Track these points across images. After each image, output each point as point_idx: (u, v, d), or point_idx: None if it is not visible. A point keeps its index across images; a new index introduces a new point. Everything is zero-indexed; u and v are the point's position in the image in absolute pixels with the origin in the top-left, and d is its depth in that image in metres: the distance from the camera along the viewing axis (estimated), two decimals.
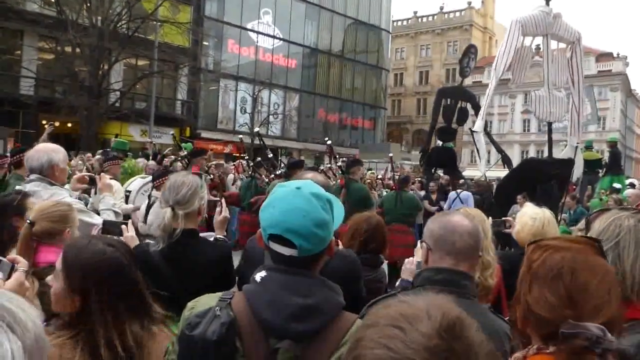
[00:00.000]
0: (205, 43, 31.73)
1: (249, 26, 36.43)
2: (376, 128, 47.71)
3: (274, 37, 38.17)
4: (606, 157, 15.40)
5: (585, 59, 51.80)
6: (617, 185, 10.79)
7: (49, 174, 3.35)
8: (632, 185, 10.11)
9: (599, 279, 1.27)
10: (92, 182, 3.91)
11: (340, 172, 8.93)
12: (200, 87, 30.92)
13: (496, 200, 7.81)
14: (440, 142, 16.81)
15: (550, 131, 8.22)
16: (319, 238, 1.49)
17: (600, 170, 14.71)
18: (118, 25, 22.72)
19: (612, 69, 50.76)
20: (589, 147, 15.47)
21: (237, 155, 15.09)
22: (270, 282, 1.49)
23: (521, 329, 1.38)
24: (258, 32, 37.11)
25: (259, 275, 1.52)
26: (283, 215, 1.48)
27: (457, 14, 62.98)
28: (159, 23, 24.31)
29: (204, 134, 32.83)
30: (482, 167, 8.04)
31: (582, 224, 1.84)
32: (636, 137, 64.95)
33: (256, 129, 12.24)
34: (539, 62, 8.02)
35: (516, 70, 7.57)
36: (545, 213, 3.38)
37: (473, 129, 7.48)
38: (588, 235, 1.72)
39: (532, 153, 50.60)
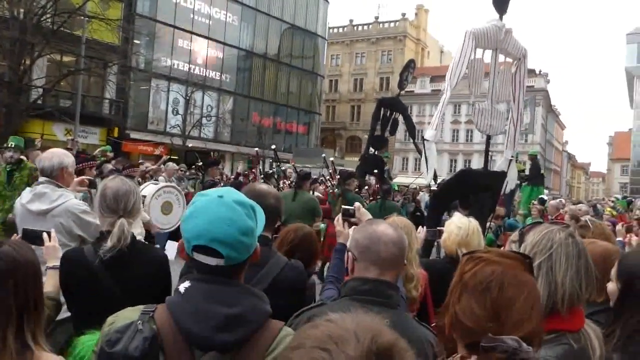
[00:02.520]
0: (136, 41, 30.80)
1: (182, 26, 35.69)
2: (310, 133, 47.92)
3: (208, 38, 37.58)
4: (527, 168, 16.13)
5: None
6: (543, 197, 11.30)
7: (57, 175, 3.52)
8: (542, 202, 10.62)
9: (524, 296, 1.31)
10: (92, 185, 4.00)
11: (336, 184, 9.47)
12: (130, 86, 29.95)
13: (430, 209, 7.94)
14: (372, 150, 17.25)
15: (488, 144, 8.43)
16: (245, 246, 1.47)
17: (520, 181, 15.42)
18: (42, 19, 21.56)
19: (534, 85, 53.37)
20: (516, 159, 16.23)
21: (169, 157, 14.81)
22: (194, 292, 1.44)
23: (448, 335, 1.41)
24: (192, 33, 36.41)
25: (182, 286, 1.47)
26: (208, 225, 1.44)
27: (392, 24, 64.39)
28: (87, 18, 23.31)
29: (134, 135, 31.84)
30: (429, 177, 8.17)
31: (515, 235, 1.89)
32: (555, 151, 68.58)
33: (273, 146, 12.14)
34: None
35: (471, 82, 7.63)
36: (471, 223, 3.45)
37: (426, 138, 7.51)
38: (522, 246, 1.79)
39: (460, 162, 52.44)
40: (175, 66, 35.38)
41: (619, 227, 5.44)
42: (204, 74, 36.83)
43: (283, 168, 12.61)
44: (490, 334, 1.24)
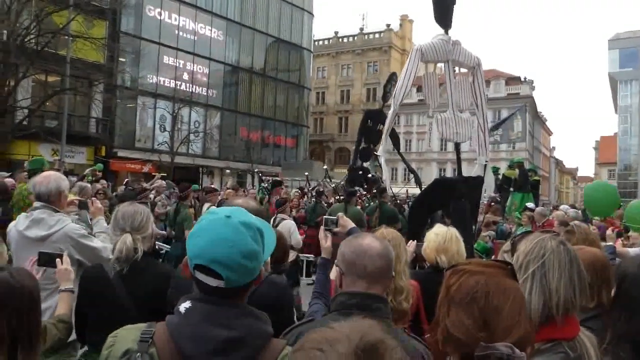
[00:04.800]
0: (121, 59, 30.79)
1: (167, 43, 35.72)
2: (299, 146, 47.99)
3: (194, 54, 37.63)
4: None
5: (496, 82, 54.83)
6: (530, 205, 11.39)
7: (55, 200, 3.45)
8: (528, 208, 10.71)
9: (510, 302, 1.34)
10: (83, 205, 3.98)
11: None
12: (117, 104, 29.88)
13: (409, 219, 7.95)
14: (360, 162, 17.42)
15: (458, 151, 8.54)
16: (246, 269, 1.44)
17: (508, 187, 15.54)
18: (26, 40, 21.52)
19: (520, 92, 53.94)
20: (511, 166, 16.46)
21: (162, 175, 14.96)
22: (194, 313, 1.42)
23: (442, 350, 1.43)
24: (177, 49, 36.46)
25: (183, 306, 1.45)
26: (209, 246, 1.41)
27: (377, 35, 64.88)
28: (71, 38, 23.27)
29: (121, 153, 31.70)
30: (387, 187, 8.39)
31: (507, 245, 1.91)
32: (542, 157, 69.16)
33: (324, 166, 13.02)
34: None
35: (428, 95, 7.82)
36: (449, 230, 3.49)
37: (377, 153, 7.77)
38: (514, 255, 1.82)
39: (449, 171, 52.66)
40: (161, 83, 35.37)
41: (609, 232, 5.47)
42: (191, 90, 36.86)
43: (333, 184, 13.54)
44: (482, 343, 1.27)
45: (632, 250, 5.21)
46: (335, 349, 0.87)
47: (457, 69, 8.31)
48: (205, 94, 38.58)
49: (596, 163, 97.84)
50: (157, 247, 7.82)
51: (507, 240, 9.95)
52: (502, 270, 1.42)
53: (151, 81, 34.54)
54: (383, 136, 8.09)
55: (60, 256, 2.76)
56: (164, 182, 11.40)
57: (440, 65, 8.59)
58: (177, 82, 36.23)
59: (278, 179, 11.91)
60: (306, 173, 15.94)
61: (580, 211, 11.31)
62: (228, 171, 38.84)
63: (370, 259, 1.87)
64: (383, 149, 8.08)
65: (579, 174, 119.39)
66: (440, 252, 3.37)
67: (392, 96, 18.88)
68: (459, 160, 8.64)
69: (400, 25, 66.50)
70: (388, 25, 64.58)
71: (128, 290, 2.66)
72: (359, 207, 10.74)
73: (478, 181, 7.95)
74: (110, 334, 1.51)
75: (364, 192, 14.45)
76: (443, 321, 1.38)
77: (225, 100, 40.71)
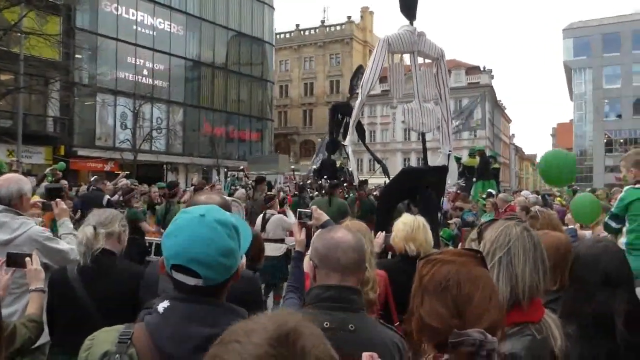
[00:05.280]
0: (78, 56, 30.01)
1: (125, 38, 34.97)
2: (264, 140, 47.74)
3: (153, 50, 36.96)
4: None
5: (457, 72, 55.42)
6: (491, 191, 11.62)
7: (17, 203, 3.38)
8: (490, 195, 10.92)
9: (481, 289, 1.39)
10: (46, 207, 3.96)
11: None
12: (74, 102, 29.12)
13: (378, 210, 8.03)
14: (326, 154, 17.54)
15: (424, 141, 8.66)
16: (225, 267, 1.44)
17: (470, 176, 15.81)
18: None
19: (479, 81, 54.80)
20: (472, 154, 16.68)
21: (118, 172, 14.61)
22: (173, 312, 1.42)
23: (417, 339, 1.47)
24: (136, 45, 35.75)
25: (161, 306, 1.44)
26: (186, 245, 1.42)
27: (338, 27, 64.92)
28: (24, 35, 22.54)
29: (81, 152, 30.96)
30: (355, 178, 8.52)
31: (474, 233, 1.96)
32: (503, 144, 70.55)
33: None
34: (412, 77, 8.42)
35: (393, 86, 7.90)
36: (416, 219, 3.55)
37: (343, 143, 7.84)
38: (481, 243, 1.87)
39: (413, 160, 53.22)
40: (121, 79, 34.62)
41: (569, 215, 5.63)
42: (152, 86, 36.18)
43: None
44: (456, 330, 1.30)
45: (588, 233, 5.38)
46: (251, 339, 0.88)
47: (421, 59, 8.41)
48: (167, 90, 37.95)
49: (554, 149, 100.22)
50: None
51: (471, 227, 10.18)
52: (472, 259, 1.46)
53: (110, 78, 33.76)
54: (350, 127, 8.17)
55: (30, 256, 2.71)
56: (128, 181, 11.19)
57: (405, 56, 8.68)
58: (137, 78, 35.52)
59: (263, 174, 12.23)
60: (241, 167, 16.36)
61: (540, 197, 11.60)
62: (195, 173, 38.39)
63: (343, 251, 1.89)
64: (350, 139, 8.16)
65: (538, 160, 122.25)
66: (409, 240, 3.42)
67: (359, 87, 19.29)
68: (424, 150, 8.77)
69: (361, 17, 66.70)
70: (349, 17, 64.73)
71: (93, 291, 2.66)
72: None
73: (443, 170, 8.09)
74: (87, 337, 1.51)
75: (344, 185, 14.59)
76: (417, 311, 1.41)
77: (188, 96, 40.16)
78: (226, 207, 2.75)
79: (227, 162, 38.65)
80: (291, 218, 7.89)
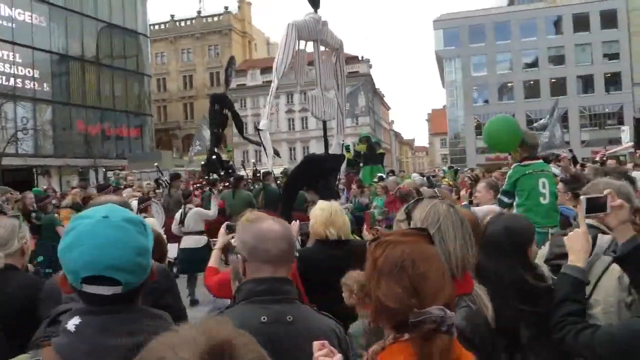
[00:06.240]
0: None
1: None
2: (144, 136, 45.82)
3: (13, 43, 33.88)
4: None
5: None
6: (382, 175, 12.00)
7: None
8: (381, 178, 11.29)
9: (435, 267, 1.41)
10: None
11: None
12: None
13: (284, 197, 8.01)
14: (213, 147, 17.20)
15: (325, 129, 8.74)
16: (142, 268, 1.34)
17: (358, 161, 16.24)
18: None
19: (359, 70, 56.47)
20: (360, 140, 17.09)
21: None
22: (87, 328, 1.27)
23: (374, 323, 1.50)
24: None
25: (71, 324, 1.28)
26: (97, 252, 1.27)
27: (216, 18, 63.82)
28: None
29: None
30: (269, 164, 8.44)
31: (401, 214, 1.93)
32: (383, 130, 73.52)
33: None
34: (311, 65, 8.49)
35: (297, 72, 7.87)
36: (332, 204, 3.65)
37: (259, 127, 7.70)
38: (412, 223, 1.89)
39: (299, 149, 53.86)
40: None
41: (463, 192, 5.95)
42: (13, 84, 33.19)
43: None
44: (415, 310, 1.32)
45: (479, 209, 5.70)
46: (179, 354, 0.80)
47: (322, 48, 8.46)
48: (31, 87, 34.99)
49: (430, 133, 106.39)
50: None
51: (365, 211, 10.42)
52: (421, 237, 1.49)
53: None
54: (266, 111, 8.02)
55: None
56: None
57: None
58: None
59: (178, 174, 12.14)
60: (156, 164, 15.76)
61: (425, 178, 12.14)
62: (73, 175, 35.89)
63: (272, 242, 1.84)
64: (265, 123, 8.01)
65: (416, 144, 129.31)
66: (329, 225, 3.49)
67: (231, 77, 19.23)
68: (325, 139, 8.85)
69: (239, 7, 66.03)
70: (226, 8, 63.83)
71: None
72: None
73: (340, 159, 8.23)
74: None
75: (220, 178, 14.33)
76: (375, 293, 1.41)
77: (56, 93, 37.32)
78: (126, 205, 2.56)
79: (105, 162, 36.64)
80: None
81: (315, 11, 8.26)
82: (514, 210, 4.79)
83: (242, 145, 57.37)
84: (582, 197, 2.25)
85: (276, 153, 16.72)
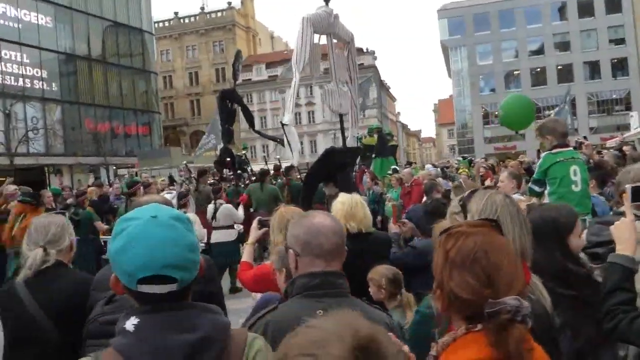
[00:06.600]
0: None
1: None
2: (152, 133, 45.95)
3: (20, 44, 34.00)
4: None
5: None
6: (396, 167, 12.01)
7: None
8: (395, 171, 11.29)
9: (507, 257, 1.40)
10: None
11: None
12: None
13: (304, 190, 8.06)
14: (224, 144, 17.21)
15: (342, 123, 8.75)
16: (195, 264, 1.36)
17: (370, 154, 16.23)
18: None
19: (364, 63, 56.28)
20: (370, 133, 17.07)
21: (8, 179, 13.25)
22: (147, 327, 1.28)
23: (444, 314, 1.48)
24: (0, 39, 32.70)
25: (130, 324, 1.29)
26: (153, 252, 1.28)
27: (219, 14, 63.68)
28: None
29: None
30: (295, 159, 8.48)
31: (455, 206, 1.94)
32: (390, 122, 73.33)
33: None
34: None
35: (312, 66, 7.89)
36: (353, 197, 3.65)
37: (284, 122, 7.71)
38: (469, 215, 1.88)
39: (306, 143, 53.82)
40: None
41: (488, 182, 5.95)
42: (22, 84, 33.35)
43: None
44: (490, 300, 1.32)
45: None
46: (328, 351, 0.80)
47: (335, 41, 8.46)
48: (40, 87, 35.15)
49: (437, 124, 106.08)
50: None
51: (378, 203, 10.45)
52: (491, 228, 1.47)
53: None
54: (290, 105, 8.04)
55: None
56: (14, 186, 10.24)
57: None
58: (4, 76, 32.58)
59: (206, 170, 12.41)
60: (184, 162, 16.77)
61: (439, 169, 12.16)
62: (90, 174, 36.10)
63: (325, 236, 1.85)
64: (290, 118, 8.03)
65: (423, 135, 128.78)
66: (349, 218, 3.47)
67: (239, 71, 19.16)
68: (342, 132, 8.87)
69: (242, 2, 65.83)
70: (229, 4, 63.64)
71: (43, 303, 2.56)
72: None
73: (358, 151, 8.25)
74: None
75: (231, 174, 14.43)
76: (448, 285, 1.39)
77: (65, 92, 37.47)
78: (168, 204, 2.62)
79: (115, 160, 36.81)
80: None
81: (327, 4, 8.26)
82: (546, 199, 4.76)
83: (250, 141, 57.59)
84: (627, 186, 2.28)
85: (281, 143, 16.74)
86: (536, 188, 4.90)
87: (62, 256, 2.70)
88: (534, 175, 4.98)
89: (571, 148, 5.23)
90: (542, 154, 5.00)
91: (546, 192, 4.83)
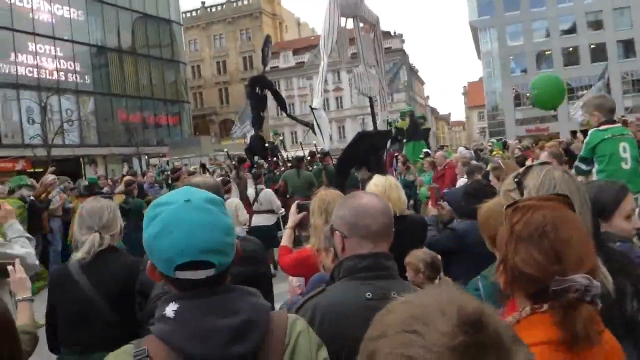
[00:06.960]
0: None
1: (22, 28, 32.59)
2: (182, 123, 46.48)
3: (54, 38, 34.70)
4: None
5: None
6: (428, 151, 11.91)
7: None
8: (427, 154, 11.21)
9: (578, 233, 1.33)
10: None
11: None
12: None
13: (337, 174, 8.09)
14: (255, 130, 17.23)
15: (372, 106, 8.72)
16: (231, 247, 1.32)
17: (401, 138, 16.13)
18: None
19: (391, 46, 55.68)
20: (402, 116, 16.91)
21: (32, 171, 13.57)
22: (187, 312, 1.25)
23: (508, 290, 1.40)
24: (34, 34, 33.42)
25: (170, 310, 1.26)
26: (190, 238, 1.23)
27: (245, 2, 63.62)
28: None
29: None
30: (326, 143, 8.46)
31: (510, 183, 1.86)
32: (419, 106, 72.57)
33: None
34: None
35: (340, 50, 7.88)
36: (387, 179, 3.60)
37: (314, 107, 7.72)
38: (525, 192, 1.78)
39: (334, 129, 53.58)
40: (22, 72, 32.39)
41: (529, 162, 5.88)
42: (57, 77, 34.07)
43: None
44: (558, 277, 1.24)
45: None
46: (434, 327, 0.72)
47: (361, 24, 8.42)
48: (73, 79, 35.87)
49: (466, 107, 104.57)
50: None
51: (410, 188, 10.41)
52: (561, 203, 1.41)
53: (9, 72, 31.50)
54: (319, 89, 8.09)
55: (12, 264, 2.46)
56: (53, 176, 10.56)
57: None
58: (39, 69, 33.32)
59: (245, 158, 12.61)
60: (225, 149, 16.84)
61: (472, 151, 12.02)
62: (124, 164, 36.81)
63: (372, 217, 1.80)
64: (319, 102, 8.07)
65: (452, 119, 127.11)
66: None
67: (268, 57, 19.06)
68: (373, 115, 8.84)
69: None
70: None
71: (98, 285, 2.69)
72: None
73: (389, 134, 8.22)
74: None
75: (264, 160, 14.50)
76: (512, 260, 1.33)
77: (97, 84, 38.16)
78: (219, 188, 2.66)
79: (147, 149, 37.39)
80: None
81: None
82: (594, 177, 4.63)
83: (278, 127, 57.75)
84: None
85: (312, 129, 16.73)
86: (583, 166, 4.75)
87: (113, 240, 2.81)
88: (581, 153, 4.80)
89: (620, 124, 5.02)
90: (590, 132, 4.84)
91: (594, 170, 4.69)
